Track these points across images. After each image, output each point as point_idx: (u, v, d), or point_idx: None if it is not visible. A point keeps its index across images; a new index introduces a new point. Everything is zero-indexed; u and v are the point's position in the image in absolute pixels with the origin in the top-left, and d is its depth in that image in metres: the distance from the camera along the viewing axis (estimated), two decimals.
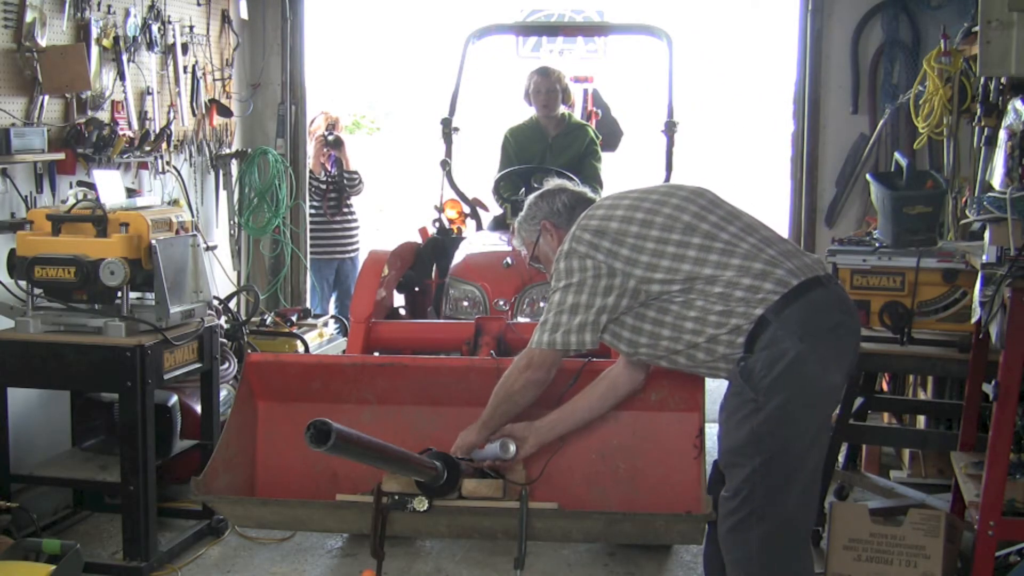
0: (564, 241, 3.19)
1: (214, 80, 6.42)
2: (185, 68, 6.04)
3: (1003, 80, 4.50)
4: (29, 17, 4.73)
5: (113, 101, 5.36)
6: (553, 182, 3.56)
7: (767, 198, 10.02)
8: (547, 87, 5.80)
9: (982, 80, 4.77)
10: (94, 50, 5.17)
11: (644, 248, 3.07)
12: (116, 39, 5.34)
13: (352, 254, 7.61)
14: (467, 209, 5.97)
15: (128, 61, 5.45)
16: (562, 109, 5.92)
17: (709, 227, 3.09)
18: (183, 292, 4.43)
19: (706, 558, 3.50)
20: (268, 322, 6.21)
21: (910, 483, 5.16)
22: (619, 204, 3.19)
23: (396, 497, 3.26)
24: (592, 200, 3.40)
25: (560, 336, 3.11)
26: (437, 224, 5.68)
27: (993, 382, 3.61)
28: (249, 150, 6.85)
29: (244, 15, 6.72)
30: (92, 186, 4.62)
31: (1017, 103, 4.14)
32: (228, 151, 6.66)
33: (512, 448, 3.40)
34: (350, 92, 16.15)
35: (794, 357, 2.93)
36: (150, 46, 5.65)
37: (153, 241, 4.26)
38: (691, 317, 3.06)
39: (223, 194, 6.72)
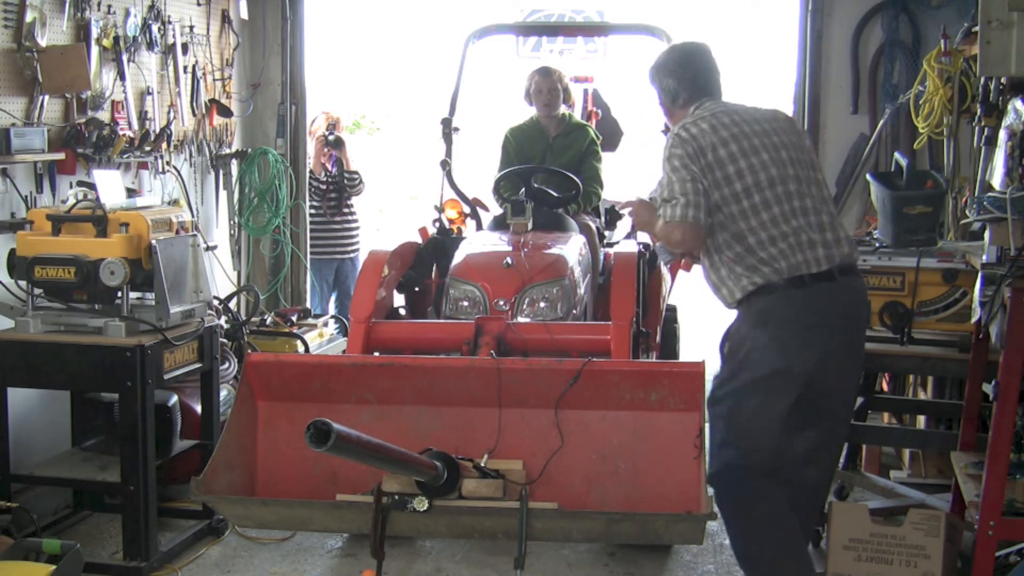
0: (666, 145, 3.62)
1: (214, 80, 6.42)
2: (185, 68, 6.04)
3: (1003, 80, 4.50)
4: (29, 17, 4.73)
5: (113, 101, 5.36)
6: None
7: None
8: (548, 87, 5.79)
9: (982, 80, 4.77)
10: (94, 50, 5.17)
11: (726, 180, 3.53)
12: (116, 39, 5.34)
13: (352, 254, 7.60)
14: (467, 209, 5.96)
15: (128, 61, 5.45)
16: (562, 109, 5.92)
17: (779, 192, 3.53)
18: (183, 292, 4.43)
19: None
20: (268, 322, 6.21)
21: (910, 483, 5.16)
22: (744, 132, 3.58)
23: (396, 497, 3.26)
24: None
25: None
26: (437, 224, 5.67)
27: (993, 382, 3.61)
28: (249, 150, 6.85)
29: (244, 15, 6.72)
30: (92, 186, 4.62)
31: (1017, 103, 4.14)
32: (228, 151, 6.66)
33: None
34: (350, 92, 16.13)
35: (752, 345, 3.50)
36: (150, 46, 5.65)
37: (153, 241, 4.26)
38: (726, 241, 3.55)
39: (223, 194, 6.72)
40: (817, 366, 3.47)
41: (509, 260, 4.76)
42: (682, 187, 3.50)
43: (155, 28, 5.67)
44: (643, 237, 5.83)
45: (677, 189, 3.50)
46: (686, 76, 3.79)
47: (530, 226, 5.10)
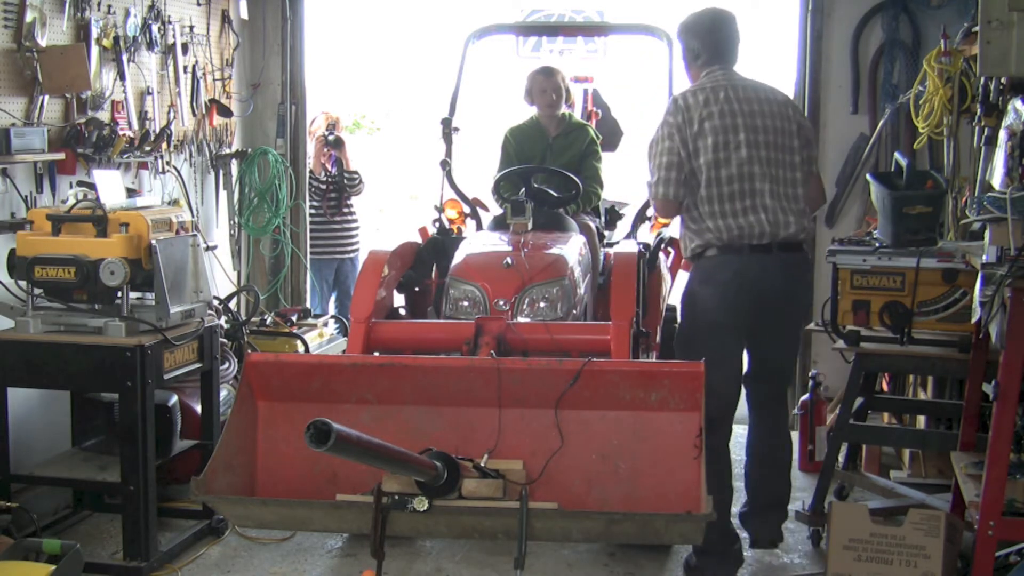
0: (670, 103, 4.20)
1: (214, 80, 6.42)
2: (185, 68, 6.04)
3: (1003, 80, 4.50)
4: (29, 17, 4.73)
5: (113, 101, 5.36)
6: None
7: None
8: (553, 87, 5.78)
9: (982, 80, 4.77)
10: (94, 50, 5.17)
11: (704, 149, 4.07)
12: (116, 39, 5.34)
13: (352, 254, 7.60)
14: (467, 209, 5.96)
15: (128, 61, 5.45)
16: (563, 109, 5.91)
17: (744, 171, 4.06)
18: (183, 292, 4.43)
19: None
20: (268, 322, 6.21)
21: (910, 483, 5.16)
22: (732, 109, 4.10)
23: (396, 497, 3.26)
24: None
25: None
26: (437, 224, 5.67)
27: (993, 382, 3.61)
28: (249, 150, 6.85)
29: (244, 15, 6.72)
30: (92, 186, 4.62)
31: (1017, 103, 4.14)
32: (228, 151, 6.66)
33: None
34: (350, 92, 16.10)
35: (699, 299, 4.17)
36: (150, 46, 5.65)
37: (153, 241, 4.27)
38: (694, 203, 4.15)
39: (223, 194, 6.72)
40: (750, 320, 4.12)
41: (509, 260, 4.76)
42: (658, 161, 4.13)
43: (155, 28, 5.67)
44: (643, 237, 5.84)
45: (656, 163, 4.15)
46: (709, 40, 4.27)
47: (530, 226, 5.10)
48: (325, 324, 6.48)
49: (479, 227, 5.90)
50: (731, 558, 4.30)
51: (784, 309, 4.20)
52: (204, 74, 6.27)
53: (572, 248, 5.01)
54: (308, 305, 7.11)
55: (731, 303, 4.09)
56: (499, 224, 5.46)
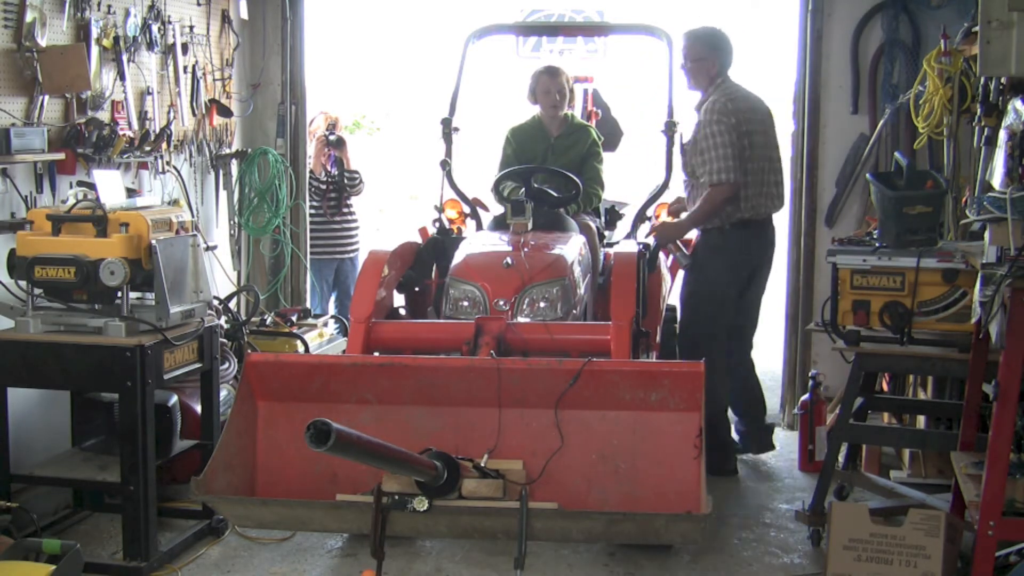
0: (714, 109, 5.30)
1: (214, 80, 6.41)
2: (185, 68, 6.04)
3: (1003, 80, 4.50)
4: (29, 17, 4.73)
5: (113, 101, 5.36)
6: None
7: None
8: (557, 87, 5.78)
9: (982, 80, 4.77)
10: (94, 50, 5.17)
11: (748, 145, 5.33)
12: (116, 39, 5.34)
13: (352, 254, 7.60)
14: (467, 209, 5.96)
15: (128, 61, 5.45)
16: (565, 110, 5.91)
17: (763, 166, 5.42)
18: (183, 292, 4.43)
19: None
20: (268, 322, 6.21)
21: (910, 483, 5.16)
22: (754, 117, 5.38)
23: (396, 497, 3.26)
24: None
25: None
26: (437, 224, 5.67)
27: (993, 382, 3.61)
28: (249, 150, 6.85)
29: (244, 15, 6.72)
30: (92, 186, 4.62)
31: (1017, 103, 4.14)
32: (228, 151, 6.65)
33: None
34: (350, 92, 16.10)
35: (710, 261, 5.46)
36: (150, 46, 5.65)
37: (153, 241, 4.26)
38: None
39: (223, 194, 6.71)
40: (748, 274, 5.47)
41: (509, 260, 4.76)
42: (724, 152, 5.21)
43: (155, 28, 5.67)
44: (643, 237, 5.84)
45: (722, 154, 5.21)
46: (725, 54, 5.44)
47: (530, 226, 5.10)
48: (325, 324, 6.48)
49: (479, 227, 5.91)
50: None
51: (765, 264, 5.58)
52: (204, 74, 6.27)
53: (572, 248, 5.01)
54: (308, 305, 7.11)
55: (737, 264, 5.38)
56: (499, 224, 5.46)
